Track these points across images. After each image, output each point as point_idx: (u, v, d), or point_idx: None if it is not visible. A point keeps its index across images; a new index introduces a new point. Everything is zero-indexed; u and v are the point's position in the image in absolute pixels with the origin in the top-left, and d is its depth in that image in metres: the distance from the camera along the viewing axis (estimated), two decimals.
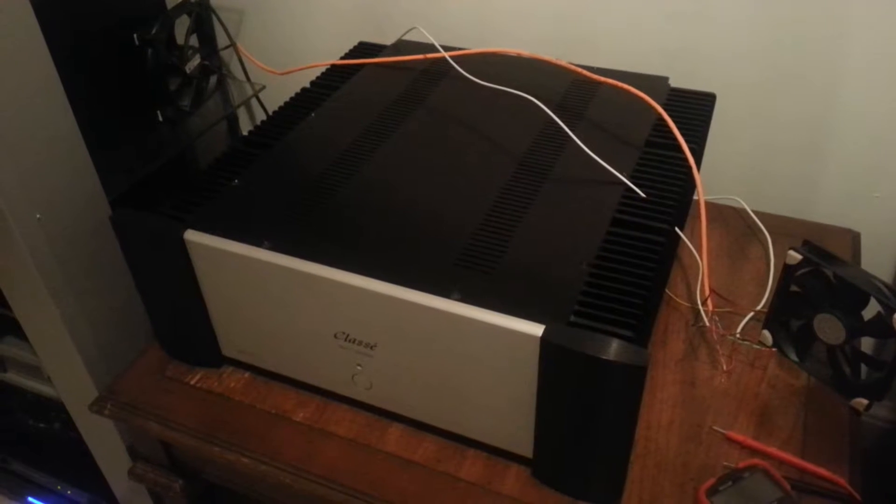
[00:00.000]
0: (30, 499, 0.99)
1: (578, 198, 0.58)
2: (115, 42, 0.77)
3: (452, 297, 0.48)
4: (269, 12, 0.97)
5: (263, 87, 0.94)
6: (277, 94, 0.91)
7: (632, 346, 0.44)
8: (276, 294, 0.54)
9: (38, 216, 0.63)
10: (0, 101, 0.58)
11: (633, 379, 0.44)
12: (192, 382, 0.62)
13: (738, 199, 0.77)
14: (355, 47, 0.83)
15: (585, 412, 0.47)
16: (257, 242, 0.53)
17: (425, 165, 0.62)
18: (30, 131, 0.61)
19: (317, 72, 0.79)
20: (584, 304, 0.48)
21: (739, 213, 0.78)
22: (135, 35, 0.78)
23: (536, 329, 0.45)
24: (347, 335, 0.53)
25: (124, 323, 0.73)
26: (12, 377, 0.87)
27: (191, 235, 0.55)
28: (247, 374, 0.63)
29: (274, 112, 0.72)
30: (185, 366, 0.64)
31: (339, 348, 0.54)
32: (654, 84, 0.70)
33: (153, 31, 0.79)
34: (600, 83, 0.69)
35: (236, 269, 0.54)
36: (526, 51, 0.73)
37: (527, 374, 0.47)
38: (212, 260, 0.55)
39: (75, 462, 0.90)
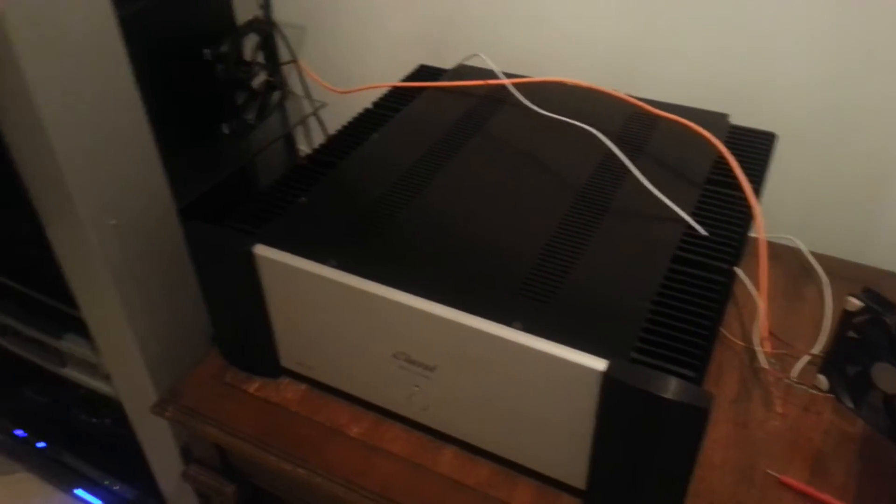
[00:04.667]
0: (78, 491, 1.02)
1: (638, 232, 0.58)
2: (187, 57, 0.79)
3: (514, 325, 0.49)
4: (328, 31, 0.99)
5: (324, 105, 0.97)
6: (335, 112, 0.93)
7: (695, 387, 0.44)
8: (339, 311, 0.56)
9: (113, 222, 0.66)
10: (81, 109, 0.60)
11: (695, 420, 0.45)
12: (251, 391, 0.64)
13: (794, 239, 0.77)
14: (416, 70, 0.85)
15: (644, 450, 0.48)
16: (324, 260, 0.55)
17: (485, 192, 0.63)
18: (108, 141, 0.63)
19: (376, 92, 0.81)
20: (646, 341, 0.48)
21: (794, 253, 0.77)
22: (206, 51, 0.81)
23: (600, 364, 0.46)
24: (407, 356, 0.55)
25: (187, 328, 0.75)
26: (70, 372, 0.91)
27: (260, 250, 0.57)
28: (304, 386, 0.64)
29: (337, 131, 0.74)
30: (243, 374, 0.66)
31: (398, 368, 0.56)
32: (714, 121, 0.71)
33: (223, 48, 0.82)
34: (660, 117, 0.70)
35: (302, 284, 0.56)
36: (583, 80, 0.74)
37: (586, 406, 0.48)
38: (279, 274, 0.57)
39: (124, 458, 0.92)
